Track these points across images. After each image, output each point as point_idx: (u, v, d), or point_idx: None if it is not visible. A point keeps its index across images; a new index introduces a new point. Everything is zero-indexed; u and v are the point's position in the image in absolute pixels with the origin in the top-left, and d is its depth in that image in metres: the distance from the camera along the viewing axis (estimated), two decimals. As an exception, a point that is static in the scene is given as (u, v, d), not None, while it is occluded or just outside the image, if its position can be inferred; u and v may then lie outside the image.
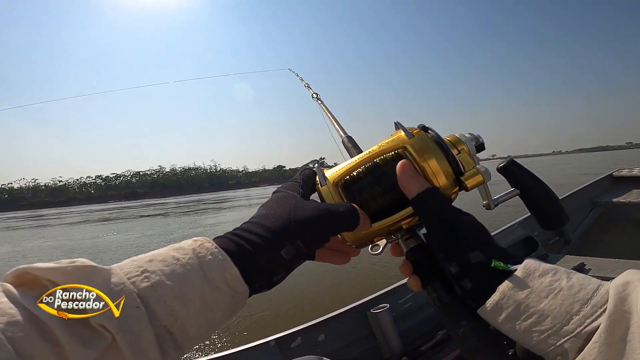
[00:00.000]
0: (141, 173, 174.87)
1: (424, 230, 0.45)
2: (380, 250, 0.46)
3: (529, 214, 0.47)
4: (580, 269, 1.95)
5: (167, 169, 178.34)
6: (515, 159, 0.47)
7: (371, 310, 1.47)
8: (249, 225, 0.35)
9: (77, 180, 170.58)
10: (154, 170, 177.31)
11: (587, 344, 0.29)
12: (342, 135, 0.60)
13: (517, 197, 0.46)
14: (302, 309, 3.82)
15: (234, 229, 0.35)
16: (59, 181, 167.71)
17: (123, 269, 0.28)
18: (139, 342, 0.25)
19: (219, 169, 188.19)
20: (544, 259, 2.16)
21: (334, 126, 0.66)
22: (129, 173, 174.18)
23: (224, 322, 0.32)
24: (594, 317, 0.29)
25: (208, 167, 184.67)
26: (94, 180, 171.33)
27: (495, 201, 0.44)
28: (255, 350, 1.24)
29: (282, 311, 3.78)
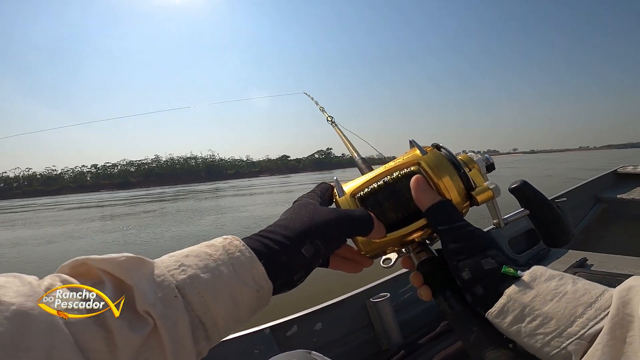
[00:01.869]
0: (137, 162, 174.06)
1: (434, 246, 0.48)
2: (392, 263, 0.48)
3: None
4: (582, 263, 1.94)
5: (164, 159, 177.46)
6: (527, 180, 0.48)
7: (371, 299, 1.44)
8: (274, 227, 0.38)
9: (73, 169, 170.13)
10: (150, 159, 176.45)
11: (591, 346, 0.30)
12: (357, 157, 0.64)
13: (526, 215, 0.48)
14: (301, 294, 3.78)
15: (260, 231, 0.38)
16: (53, 170, 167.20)
17: (163, 262, 0.30)
18: (177, 329, 0.27)
19: (218, 158, 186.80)
20: (546, 252, 2.15)
21: (349, 149, 0.71)
22: (124, 162, 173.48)
23: (247, 317, 0.34)
24: (597, 319, 0.30)
25: (207, 156, 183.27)
26: (89, 169, 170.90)
27: (505, 220, 0.47)
28: (249, 337, 1.20)
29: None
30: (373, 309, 1.44)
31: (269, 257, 0.34)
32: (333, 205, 0.47)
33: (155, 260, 0.30)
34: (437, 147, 0.47)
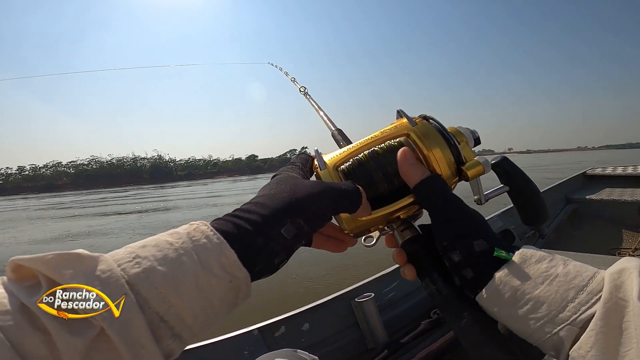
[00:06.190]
0: (68, 163, 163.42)
1: (418, 222, 0.48)
2: (374, 242, 0.49)
3: (507, 207, 0.56)
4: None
5: (104, 159, 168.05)
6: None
7: (356, 299, 1.55)
8: (249, 205, 0.36)
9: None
10: (86, 160, 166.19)
11: (582, 332, 0.30)
12: (332, 128, 0.64)
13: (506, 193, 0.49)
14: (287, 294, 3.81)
15: (234, 210, 0.36)
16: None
17: (115, 256, 0.29)
18: (129, 330, 0.25)
19: (167, 158, 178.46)
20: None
21: (323, 119, 0.70)
22: (52, 163, 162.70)
23: (225, 310, 0.32)
24: (589, 304, 0.31)
25: (155, 156, 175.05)
26: (16, 172, 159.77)
27: (486, 196, 0.48)
28: (238, 339, 1.29)
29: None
30: (358, 309, 1.56)
31: (243, 241, 0.33)
32: (314, 179, 0.45)
33: (105, 254, 0.29)
34: (426, 118, 0.46)
